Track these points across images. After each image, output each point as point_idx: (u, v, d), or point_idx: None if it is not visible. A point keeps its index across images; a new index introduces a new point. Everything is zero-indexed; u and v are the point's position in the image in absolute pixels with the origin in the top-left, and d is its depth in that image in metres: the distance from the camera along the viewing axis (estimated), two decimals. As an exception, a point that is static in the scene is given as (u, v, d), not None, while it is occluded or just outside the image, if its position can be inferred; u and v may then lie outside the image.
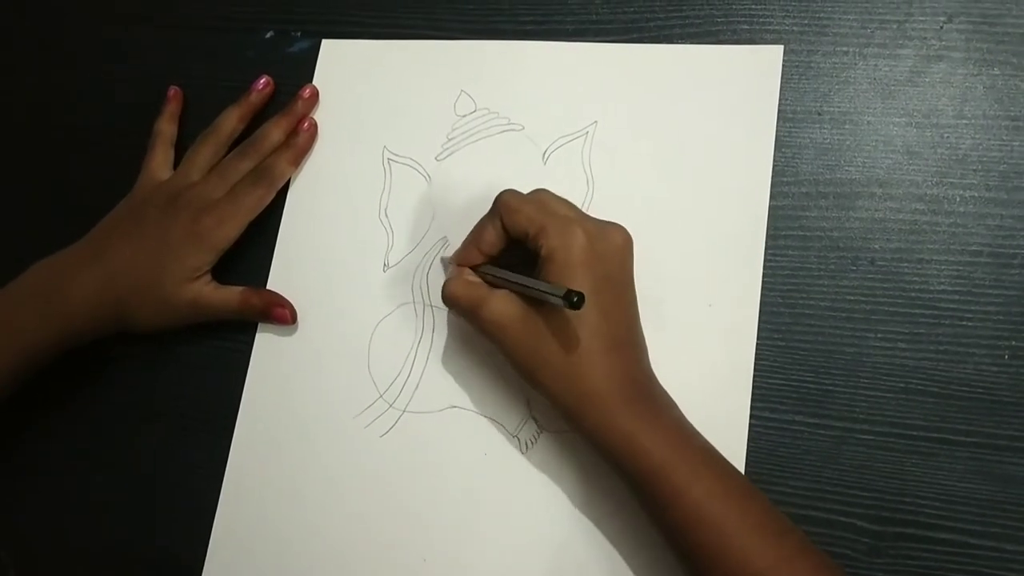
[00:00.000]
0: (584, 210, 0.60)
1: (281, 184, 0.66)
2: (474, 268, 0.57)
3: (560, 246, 0.52)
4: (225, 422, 0.64)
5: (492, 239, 0.56)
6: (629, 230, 0.58)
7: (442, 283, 0.57)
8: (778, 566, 0.47)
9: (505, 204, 0.55)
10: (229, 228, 0.64)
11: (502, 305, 0.53)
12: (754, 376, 0.56)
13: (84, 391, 0.68)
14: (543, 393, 0.53)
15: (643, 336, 0.55)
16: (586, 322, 0.51)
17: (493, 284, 0.56)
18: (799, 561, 0.47)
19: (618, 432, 0.50)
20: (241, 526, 0.62)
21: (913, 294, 0.55)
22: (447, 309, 0.62)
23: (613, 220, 0.55)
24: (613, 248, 0.54)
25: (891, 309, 0.55)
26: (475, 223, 0.58)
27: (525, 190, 0.61)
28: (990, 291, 0.54)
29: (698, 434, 0.52)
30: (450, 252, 0.62)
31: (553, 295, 0.48)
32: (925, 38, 0.59)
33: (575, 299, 0.47)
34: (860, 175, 0.58)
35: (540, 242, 0.53)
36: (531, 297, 0.53)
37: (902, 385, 0.54)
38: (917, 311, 0.55)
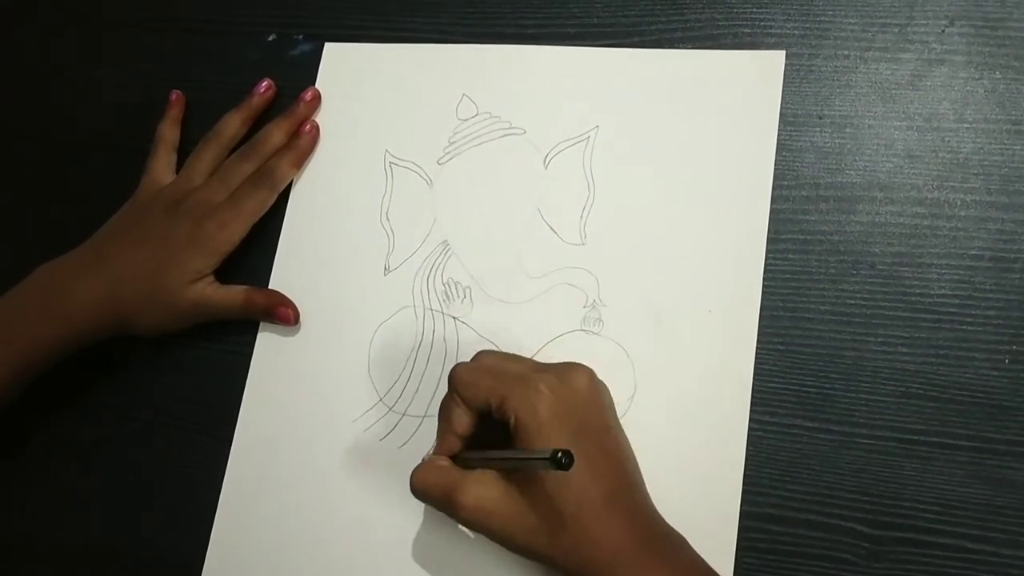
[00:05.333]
0: (585, 215, 0.61)
1: (283, 187, 0.66)
2: (454, 458, 0.53)
3: (527, 412, 0.49)
4: (225, 424, 0.64)
5: (461, 418, 0.53)
6: (630, 233, 0.59)
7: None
8: None
9: (458, 381, 0.53)
10: (232, 232, 0.64)
11: (480, 487, 0.50)
12: (754, 380, 0.56)
13: (86, 393, 0.68)
14: (551, 567, 0.49)
15: (639, 474, 0.53)
16: (574, 482, 0.48)
17: (472, 468, 0.52)
18: None
19: None
20: (240, 528, 0.62)
21: (913, 298, 0.55)
22: (448, 314, 0.62)
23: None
24: (580, 394, 0.51)
25: (891, 313, 0.55)
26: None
27: (526, 195, 0.61)
28: (991, 295, 0.54)
29: (708, 569, 0.50)
30: (452, 260, 0.62)
31: (539, 461, 0.45)
32: (926, 42, 0.59)
33: (563, 460, 0.43)
34: (861, 179, 0.58)
35: (506, 412, 0.50)
36: (512, 471, 0.50)
37: (902, 389, 0.54)
38: (917, 315, 0.55)
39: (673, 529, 0.51)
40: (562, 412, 0.50)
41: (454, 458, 0.53)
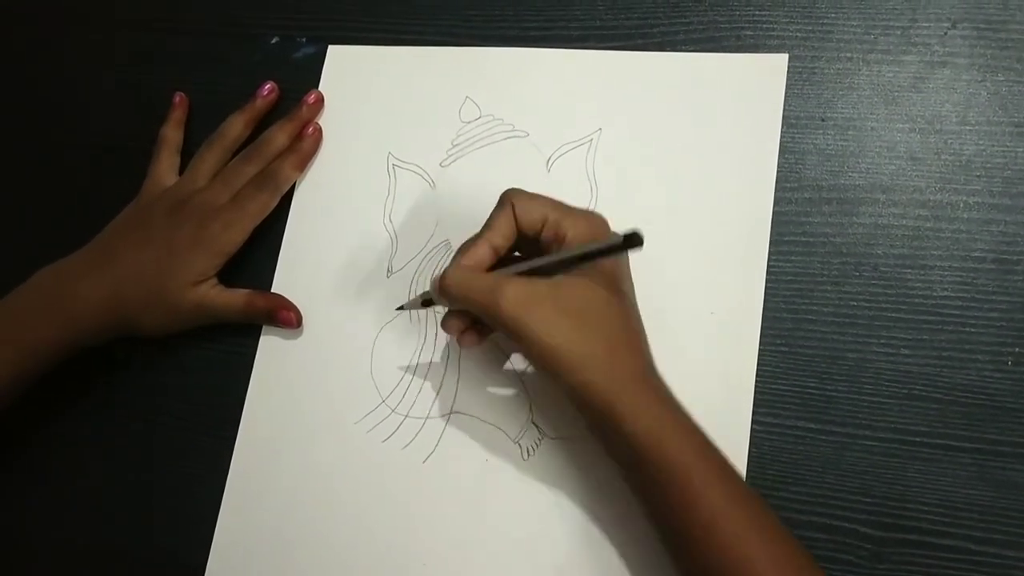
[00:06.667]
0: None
1: (286, 189, 0.66)
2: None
3: (585, 228, 0.52)
4: (228, 425, 0.64)
5: (506, 231, 0.53)
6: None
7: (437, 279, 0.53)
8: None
9: (517, 197, 0.54)
10: (235, 233, 0.64)
11: (523, 286, 0.50)
12: (757, 382, 0.56)
13: (88, 393, 0.68)
14: (576, 380, 0.49)
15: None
16: (618, 303, 0.51)
17: None
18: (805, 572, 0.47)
19: (646, 425, 0.48)
20: (243, 529, 0.62)
21: (916, 300, 0.55)
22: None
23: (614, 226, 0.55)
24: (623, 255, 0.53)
25: (894, 315, 0.55)
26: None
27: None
28: (993, 297, 0.54)
29: (710, 437, 0.51)
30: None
31: (611, 244, 0.47)
32: (929, 44, 0.59)
33: (637, 236, 0.45)
34: (863, 181, 0.58)
35: (562, 228, 0.52)
36: (556, 272, 0.51)
37: (905, 391, 0.54)
38: (920, 317, 0.55)
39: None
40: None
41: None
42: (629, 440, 0.49)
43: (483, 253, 0.53)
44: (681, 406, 0.51)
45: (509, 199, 0.54)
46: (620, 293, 0.52)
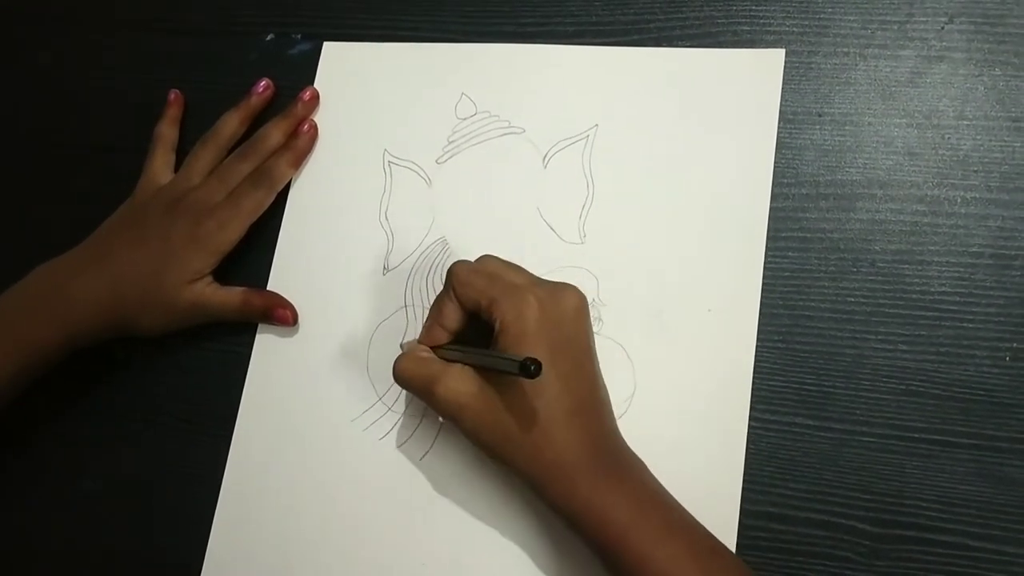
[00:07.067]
0: (584, 214, 0.61)
1: (281, 186, 0.66)
2: (435, 348, 0.55)
3: (513, 317, 0.51)
4: (225, 424, 0.64)
5: (451, 314, 0.55)
6: (629, 232, 0.59)
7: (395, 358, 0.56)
8: None
9: (455, 277, 0.54)
10: (230, 231, 0.64)
11: (457, 381, 0.52)
12: (754, 378, 0.55)
13: (86, 393, 0.68)
14: (505, 468, 0.53)
15: (607, 397, 0.54)
16: (545, 391, 0.50)
17: (450, 361, 0.54)
18: None
19: (580, 501, 0.49)
20: (239, 528, 0.62)
21: (914, 296, 0.55)
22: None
23: (566, 280, 0.55)
24: (567, 312, 0.53)
25: (892, 311, 0.55)
26: (452, 262, 0.56)
27: (525, 194, 0.61)
28: (991, 293, 0.54)
29: (665, 494, 0.51)
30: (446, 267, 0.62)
31: (510, 364, 0.47)
32: (926, 39, 0.59)
33: (532, 368, 0.45)
34: (861, 176, 0.58)
35: (493, 315, 0.52)
36: (488, 370, 0.51)
37: (902, 387, 0.54)
38: (918, 313, 0.55)
39: (632, 453, 0.53)
40: (547, 326, 0.51)
41: (436, 349, 0.55)
42: (565, 519, 0.51)
43: (438, 335, 0.55)
44: (624, 465, 0.52)
45: (450, 281, 0.55)
46: (560, 368, 0.51)
